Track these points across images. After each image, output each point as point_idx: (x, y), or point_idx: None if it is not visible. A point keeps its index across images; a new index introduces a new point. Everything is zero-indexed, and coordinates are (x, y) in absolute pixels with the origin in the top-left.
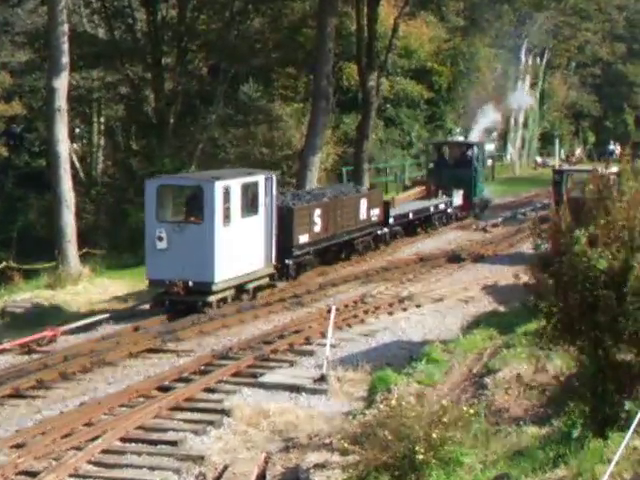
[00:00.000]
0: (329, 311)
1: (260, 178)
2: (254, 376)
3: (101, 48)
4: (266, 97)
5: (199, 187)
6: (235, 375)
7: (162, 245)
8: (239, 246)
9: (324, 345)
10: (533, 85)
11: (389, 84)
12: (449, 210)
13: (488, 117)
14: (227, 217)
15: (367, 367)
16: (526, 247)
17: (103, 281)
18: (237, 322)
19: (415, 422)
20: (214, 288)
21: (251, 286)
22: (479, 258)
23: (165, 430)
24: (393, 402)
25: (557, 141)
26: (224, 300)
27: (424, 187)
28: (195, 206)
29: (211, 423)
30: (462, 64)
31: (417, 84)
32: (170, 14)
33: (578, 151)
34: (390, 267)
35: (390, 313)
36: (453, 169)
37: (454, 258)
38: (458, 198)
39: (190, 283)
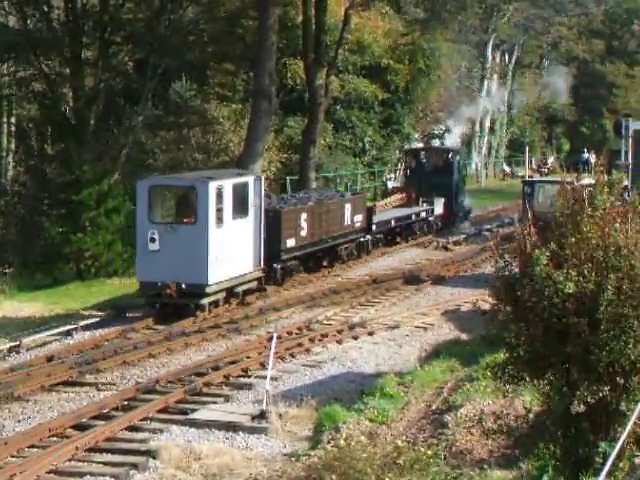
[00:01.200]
0: (270, 339)
1: (250, 179)
2: (184, 413)
3: (12, 39)
4: (200, 96)
5: (192, 187)
6: (163, 411)
7: (154, 246)
8: (230, 248)
9: (264, 377)
10: (501, 86)
11: (339, 83)
12: (430, 219)
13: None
14: (219, 218)
15: (312, 402)
16: (492, 268)
17: (13, 304)
18: (165, 351)
19: (366, 465)
20: (207, 290)
21: (240, 289)
22: (439, 280)
23: (82, 475)
24: (341, 442)
25: (527, 148)
26: (216, 303)
27: (404, 194)
28: (188, 207)
29: (135, 466)
30: (421, 61)
31: (371, 83)
32: (91, 1)
33: (551, 160)
34: (339, 289)
35: (339, 341)
36: (433, 176)
37: (411, 279)
38: (439, 207)
39: (183, 285)
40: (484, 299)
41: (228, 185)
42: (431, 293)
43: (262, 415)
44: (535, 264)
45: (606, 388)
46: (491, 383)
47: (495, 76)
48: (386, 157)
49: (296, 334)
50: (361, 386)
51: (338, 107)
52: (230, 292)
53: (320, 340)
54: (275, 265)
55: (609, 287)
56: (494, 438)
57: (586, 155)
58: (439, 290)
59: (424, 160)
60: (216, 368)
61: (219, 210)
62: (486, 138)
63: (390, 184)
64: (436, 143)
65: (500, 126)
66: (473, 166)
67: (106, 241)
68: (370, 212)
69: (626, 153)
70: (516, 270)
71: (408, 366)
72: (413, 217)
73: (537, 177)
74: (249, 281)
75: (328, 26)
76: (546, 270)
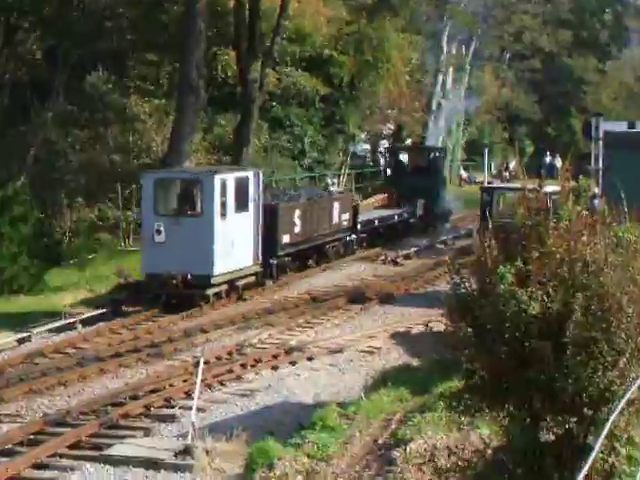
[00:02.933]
0: (196, 365)
1: (250, 173)
2: (99, 448)
3: None
4: (119, 90)
5: (198, 180)
6: (74, 447)
7: (160, 238)
8: (232, 241)
9: (189, 408)
10: (457, 80)
11: (276, 76)
12: (412, 220)
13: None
14: (223, 211)
15: (244, 436)
16: (446, 285)
17: None
18: (77, 378)
19: None
20: (213, 281)
21: (240, 283)
22: (388, 298)
23: None
24: None
25: (487, 151)
26: (219, 295)
27: (386, 195)
28: (193, 199)
29: None
30: (368, 53)
31: (312, 77)
32: None
33: (513, 164)
34: (275, 309)
35: (274, 367)
36: (413, 177)
37: (356, 298)
38: (420, 208)
39: (189, 276)
40: (438, 320)
41: (231, 179)
42: (378, 313)
43: (187, 451)
44: (499, 282)
45: (573, 419)
46: (445, 414)
47: (451, 70)
48: (328, 160)
49: (226, 359)
50: (299, 418)
51: (274, 103)
52: (231, 285)
53: (253, 366)
54: (272, 261)
55: (576, 307)
56: (448, 477)
57: (549, 159)
58: (387, 310)
59: (405, 159)
60: (135, 397)
61: (223, 203)
62: (441, 139)
63: (333, 190)
64: (385, 144)
65: (456, 126)
66: None
67: (10, 253)
68: (356, 211)
69: (596, 157)
70: (474, 287)
71: (352, 395)
72: (396, 218)
73: (497, 183)
74: (248, 275)
75: (263, 12)
76: (510, 289)
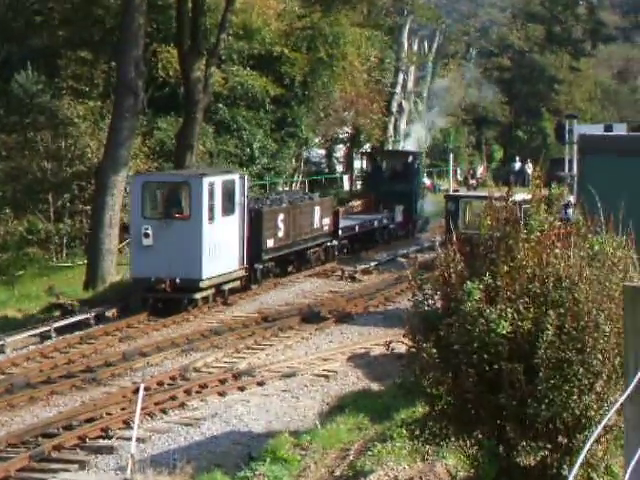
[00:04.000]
0: (136, 391)
1: (236, 177)
2: None
3: None
4: (50, 91)
5: (187, 183)
6: None
7: (148, 242)
8: (220, 245)
9: (128, 439)
10: (419, 80)
11: (222, 76)
12: (391, 226)
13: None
14: (211, 214)
15: (189, 469)
16: (408, 302)
17: None
18: (5, 407)
19: None
20: (201, 285)
21: (227, 287)
22: (345, 317)
23: None
24: None
25: (451, 157)
26: (206, 299)
27: (364, 200)
28: (181, 202)
29: None
30: (322, 50)
31: (261, 76)
32: None
33: (480, 170)
34: (222, 330)
35: (221, 394)
36: (391, 182)
37: (311, 317)
38: (399, 214)
39: (177, 280)
40: (399, 340)
41: (218, 182)
42: (334, 333)
43: None
44: (465, 299)
45: (547, 447)
46: (408, 443)
47: (412, 68)
48: (280, 166)
49: (169, 385)
50: (248, 448)
51: (221, 105)
52: (218, 290)
53: (198, 392)
54: (256, 265)
55: (549, 326)
56: None
57: (519, 164)
58: (344, 330)
59: (382, 164)
60: (69, 427)
61: (211, 207)
62: (402, 144)
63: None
64: (342, 148)
65: (407, 127)
66: None
67: None
68: (337, 216)
69: (570, 162)
70: (438, 305)
71: (306, 423)
72: (376, 224)
73: (463, 191)
74: (234, 279)
75: (208, 6)
76: (478, 306)
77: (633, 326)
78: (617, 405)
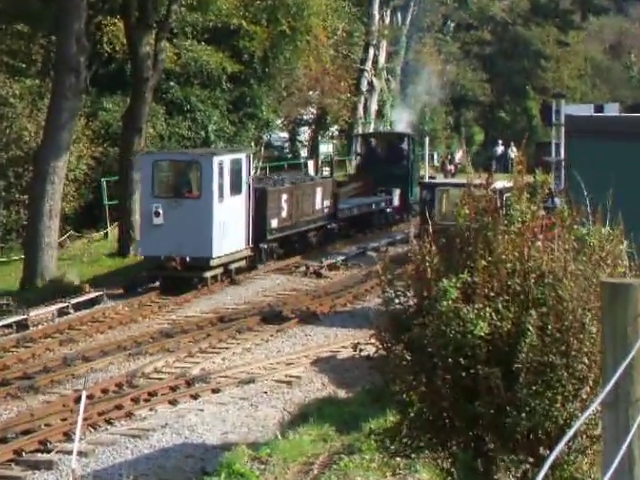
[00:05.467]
0: (78, 400)
1: (243, 155)
2: None
3: None
4: None
5: (197, 162)
6: None
7: (158, 220)
8: (229, 224)
9: (69, 452)
10: (392, 55)
11: (174, 51)
12: (388, 210)
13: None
14: (221, 193)
15: None
16: (378, 300)
17: None
18: None
19: None
20: (212, 263)
21: (233, 267)
22: (309, 317)
23: None
24: None
25: (427, 140)
26: (215, 278)
27: (360, 183)
28: (191, 181)
29: None
30: (284, 22)
31: (217, 51)
32: None
33: (459, 155)
34: (173, 331)
35: (172, 402)
36: (386, 164)
37: (271, 317)
38: (396, 197)
39: (187, 258)
40: (369, 342)
41: (227, 161)
42: (298, 335)
43: None
44: (441, 297)
45: (530, 459)
46: (377, 456)
47: (384, 43)
48: None
49: (114, 393)
50: (202, 462)
51: (172, 83)
52: (225, 269)
53: (147, 400)
54: (261, 245)
55: (530, 327)
56: None
57: (501, 148)
58: (309, 331)
59: (376, 147)
60: (3, 440)
61: (220, 185)
62: (372, 126)
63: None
64: (306, 132)
65: (390, 109)
66: (354, 162)
67: None
68: (336, 198)
69: (557, 146)
70: (410, 303)
71: (266, 434)
72: (374, 206)
73: (440, 178)
74: (241, 259)
75: None
76: (454, 305)
77: (612, 327)
78: (588, 412)
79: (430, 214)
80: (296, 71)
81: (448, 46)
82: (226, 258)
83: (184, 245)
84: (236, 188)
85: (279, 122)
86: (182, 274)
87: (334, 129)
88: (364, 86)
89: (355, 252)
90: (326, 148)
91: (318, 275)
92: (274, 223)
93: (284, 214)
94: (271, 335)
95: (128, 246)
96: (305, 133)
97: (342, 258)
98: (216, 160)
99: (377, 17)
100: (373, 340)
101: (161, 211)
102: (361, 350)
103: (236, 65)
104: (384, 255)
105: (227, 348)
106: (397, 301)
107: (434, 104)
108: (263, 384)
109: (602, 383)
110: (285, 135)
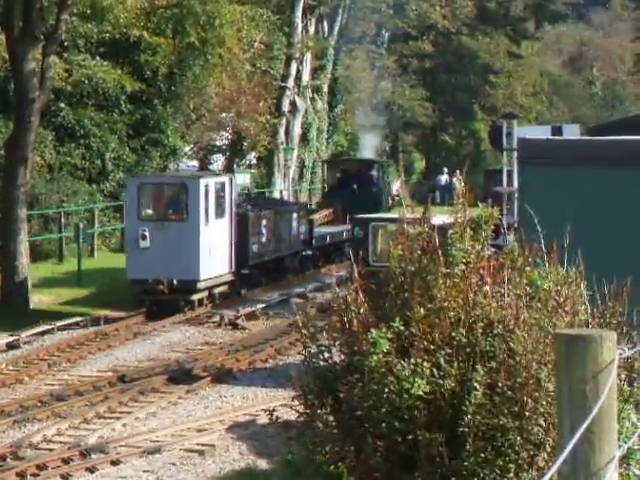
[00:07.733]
0: None
1: (226, 179)
2: None
3: None
4: None
5: (183, 184)
6: None
7: (145, 243)
8: (214, 247)
9: None
10: (318, 71)
11: (64, 67)
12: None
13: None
14: (207, 216)
15: None
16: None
17: None
18: None
19: None
20: (199, 286)
21: (217, 291)
22: (224, 376)
23: None
24: None
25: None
26: (201, 301)
27: (331, 211)
28: (178, 204)
29: None
30: (193, 33)
31: (115, 67)
32: None
33: (397, 186)
34: (66, 394)
35: (65, 476)
36: (355, 192)
37: (180, 376)
38: None
39: (174, 281)
40: (288, 405)
41: (212, 184)
42: (211, 397)
43: None
44: (370, 352)
45: None
46: None
47: (308, 56)
48: None
49: None
50: None
51: (63, 105)
52: (209, 293)
53: (35, 475)
54: (243, 270)
55: (477, 385)
56: None
57: (445, 177)
58: (224, 392)
59: (345, 174)
60: None
61: (206, 209)
62: (295, 152)
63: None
64: (220, 160)
65: (317, 134)
66: (277, 194)
67: None
68: (311, 225)
69: (509, 174)
70: (336, 359)
71: None
72: (344, 235)
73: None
74: (224, 283)
75: None
76: (385, 360)
77: (568, 385)
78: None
79: (363, 254)
80: (207, 90)
81: (382, 59)
82: (212, 281)
83: (171, 268)
84: (221, 212)
85: (188, 149)
86: (169, 297)
87: (252, 157)
88: (286, 106)
89: (277, 299)
90: (243, 179)
91: (234, 326)
92: (255, 248)
93: (264, 239)
94: (180, 397)
95: (15, 295)
96: (218, 162)
97: (262, 306)
98: (202, 183)
99: (300, 26)
100: (295, 403)
101: (147, 234)
102: (277, 418)
103: (137, 83)
104: (308, 303)
105: (129, 412)
106: (321, 357)
107: (368, 128)
108: (171, 454)
109: (559, 450)
110: (195, 164)
